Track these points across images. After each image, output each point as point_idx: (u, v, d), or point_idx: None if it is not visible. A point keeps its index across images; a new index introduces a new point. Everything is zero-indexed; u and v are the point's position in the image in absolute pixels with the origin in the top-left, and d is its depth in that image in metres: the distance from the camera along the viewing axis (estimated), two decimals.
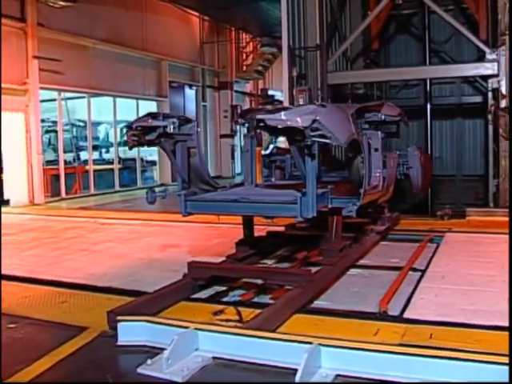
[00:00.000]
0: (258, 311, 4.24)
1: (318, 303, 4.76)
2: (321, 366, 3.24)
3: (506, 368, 2.87)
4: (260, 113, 4.41)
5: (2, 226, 10.21)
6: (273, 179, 6.76)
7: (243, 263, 5.57)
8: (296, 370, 3.11)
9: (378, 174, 5.92)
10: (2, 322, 4.35)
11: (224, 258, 5.67)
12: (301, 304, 4.51)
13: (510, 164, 10.54)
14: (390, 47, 17.23)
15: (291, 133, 4.33)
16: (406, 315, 4.29)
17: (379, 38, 15.53)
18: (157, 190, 5.24)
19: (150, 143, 4.98)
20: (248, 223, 5.90)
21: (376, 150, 5.91)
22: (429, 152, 14.40)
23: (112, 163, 18.11)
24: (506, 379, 2.85)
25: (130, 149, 5.07)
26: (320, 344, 3.26)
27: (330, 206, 5.11)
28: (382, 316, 4.30)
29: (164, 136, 4.88)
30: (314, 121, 4.04)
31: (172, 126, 4.80)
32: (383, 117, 6.41)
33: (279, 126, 4.18)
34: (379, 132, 6.02)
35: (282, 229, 6.90)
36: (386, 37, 16.71)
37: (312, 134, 4.10)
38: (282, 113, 4.14)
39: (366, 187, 5.23)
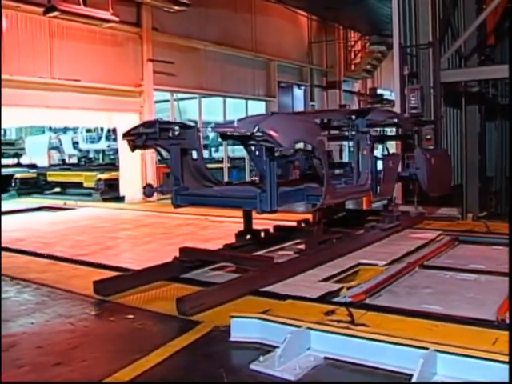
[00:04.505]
0: (370, 313, 4.20)
1: (428, 307, 4.64)
2: (436, 372, 3.16)
3: None
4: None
5: (115, 221, 10.78)
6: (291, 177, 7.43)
7: (230, 251, 6.13)
8: (408, 375, 3.07)
9: (365, 175, 6.38)
10: (120, 314, 4.58)
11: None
12: (255, 286, 4.94)
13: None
14: (506, 42, 16.39)
15: (244, 139, 4.91)
16: None
17: (495, 33, 14.83)
18: None
19: (145, 146, 5.74)
20: (247, 217, 6.42)
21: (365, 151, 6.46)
22: None
23: (221, 162, 18.45)
24: None
25: (132, 151, 5.86)
26: (436, 350, 3.17)
27: (305, 202, 5.77)
28: (500, 324, 4.11)
29: (151, 140, 5.60)
30: (258, 128, 4.57)
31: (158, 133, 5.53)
32: (396, 120, 7.00)
33: (228, 133, 5.00)
34: (367, 135, 6.44)
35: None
36: (503, 31, 15.85)
37: (258, 139, 4.67)
38: (235, 121, 4.85)
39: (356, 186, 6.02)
